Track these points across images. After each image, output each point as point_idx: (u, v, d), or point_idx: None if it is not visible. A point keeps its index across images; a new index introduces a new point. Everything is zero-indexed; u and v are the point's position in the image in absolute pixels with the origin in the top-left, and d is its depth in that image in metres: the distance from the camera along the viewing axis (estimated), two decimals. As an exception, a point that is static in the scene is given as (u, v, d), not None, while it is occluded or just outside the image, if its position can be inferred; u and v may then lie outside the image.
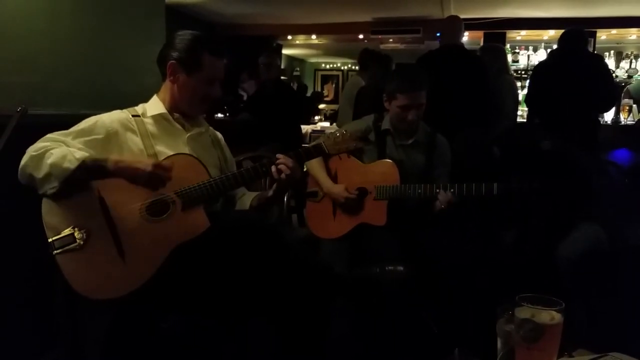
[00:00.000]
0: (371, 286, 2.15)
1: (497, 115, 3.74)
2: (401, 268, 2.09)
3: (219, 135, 1.98)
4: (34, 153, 1.52)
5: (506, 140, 3.25)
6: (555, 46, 5.12)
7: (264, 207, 1.87)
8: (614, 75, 5.23)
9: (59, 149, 1.51)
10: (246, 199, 1.88)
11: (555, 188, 2.06)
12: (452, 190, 2.14)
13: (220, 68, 1.77)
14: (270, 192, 1.80)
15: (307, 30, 6.98)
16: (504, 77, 3.98)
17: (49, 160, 1.48)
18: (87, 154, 1.52)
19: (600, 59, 3.71)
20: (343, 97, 4.98)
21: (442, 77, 3.07)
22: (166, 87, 1.78)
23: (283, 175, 1.67)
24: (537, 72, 3.80)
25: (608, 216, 2.42)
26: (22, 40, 2.11)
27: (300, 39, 7.56)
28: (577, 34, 3.55)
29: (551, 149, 2.62)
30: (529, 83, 3.93)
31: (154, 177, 1.51)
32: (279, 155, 1.70)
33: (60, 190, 1.50)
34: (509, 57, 5.14)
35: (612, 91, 3.70)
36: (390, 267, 2.09)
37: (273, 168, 1.68)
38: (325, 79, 11.31)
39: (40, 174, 1.50)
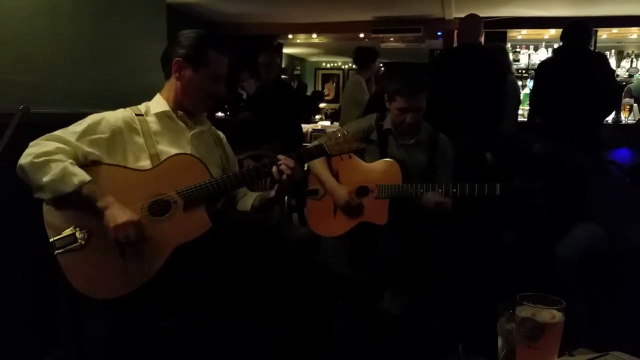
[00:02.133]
0: (372, 286, 2.16)
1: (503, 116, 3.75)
2: (398, 309, 2.11)
3: (221, 134, 1.98)
4: (36, 160, 1.50)
5: (501, 143, 3.25)
6: (556, 45, 5.10)
7: (266, 208, 1.87)
8: (615, 74, 5.21)
9: (60, 165, 1.49)
10: (248, 199, 1.89)
11: (556, 188, 2.06)
12: (454, 190, 2.14)
13: (225, 65, 1.78)
14: (272, 193, 1.81)
15: (307, 29, 6.97)
16: (507, 77, 3.97)
17: (46, 178, 1.48)
18: (86, 179, 1.51)
19: (604, 58, 3.68)
20: (344, 96, 4.97)
21: (461, 76, 3.08)
22: (170, 84, 1.78)
23: (284, 176, 1.67)
24: (541, 71, 3.79)
25: (609, 215, 2.42)
26: (24, 39, 2.11)
27: (300, 38, 7.55)
28: (581, 29, 3.51)
29: (543, 152, 2.62)
30: (533, 82, 3.92)
31: (117, 234, 1.50)
32: (280, 157, 1.70)
33: (50, 202, 1.52)
34: (510, 56, 5.12)
35: (613, 92, 3.69)
36: (389, 304, 2.10)
37: (274, 169, 1.68)
38: (326, 78, 11.32)
39: (34, 183, 1.50)
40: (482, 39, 6.00)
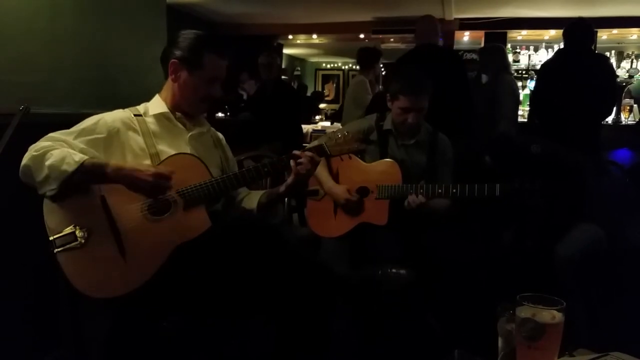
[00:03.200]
0: (372, 287, 2.16)
1: (485, 117, 3.73)
2: (404, 271, 2.09)
3: (220, 135, 1.98)
4: (35, 153, 1.51)
5: (499, 145, 3.23)
6: (556, 46, 5.09)
7: (274, 204, 1.87)
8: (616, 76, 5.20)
9: (59, 150, 1.50)
10: (253, 197, 1.88)
11: (556, 189, 2.06)
12: (454, 190, 2.14)
13: (222, 68, 1.77)
14: (282, 188, 1.80)
15: (307, 29, 6.98)
16: (503, 76, 3.97)
17: (48, 162, 1.48)
18: (86, 157, 1.51)
19: (606, 60, 3.68)
20: (347, 97, 4.97)
21: None
22: (168, 86, 1.78)
23: (302, 169, 1.68)
24: (543, 72, 3.79)
25: (608, 216, 2.42)
26: (24, 40, 2.11)
27: (301, 39, 7.56)
28: (583, 28, 3.50)
29: (542, 152, 2.62)
30: (535, 82, 3.92)
31: (154, 185, 1.52)
32: (296, 152, 1.70)
33: (59, 192, 1.50)
34: (510, 57, 5.12)
35: (613, 94, 3.69)
36: (393, 270, 2.09)
37: (292, 163, 1.69)
38: (326, 79, 11.32)
39: (39, 176, 1.50)
40: (483, 40, 6.06)
